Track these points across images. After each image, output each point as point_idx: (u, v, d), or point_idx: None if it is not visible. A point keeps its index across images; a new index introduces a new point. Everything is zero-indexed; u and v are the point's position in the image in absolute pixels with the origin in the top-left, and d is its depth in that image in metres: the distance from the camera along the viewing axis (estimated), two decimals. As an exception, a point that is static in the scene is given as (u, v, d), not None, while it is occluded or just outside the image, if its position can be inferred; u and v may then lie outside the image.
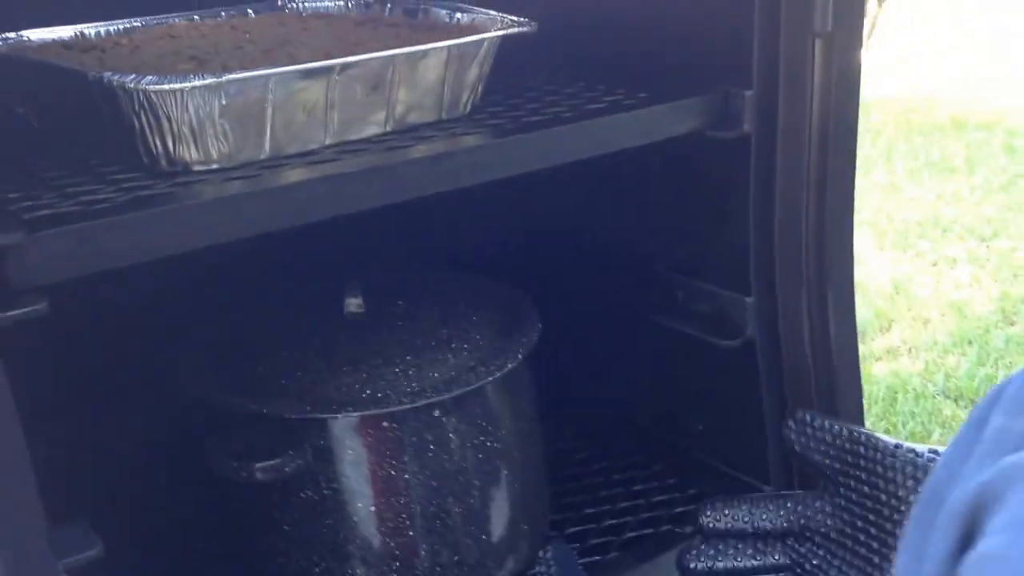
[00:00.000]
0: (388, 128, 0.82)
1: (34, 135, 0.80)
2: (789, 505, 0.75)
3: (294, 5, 1.03)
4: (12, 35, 0.85)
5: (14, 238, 0.59)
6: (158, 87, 0.68)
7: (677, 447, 1.07)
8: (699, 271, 0.97)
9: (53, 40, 0.87)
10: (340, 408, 0.82)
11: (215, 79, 0.69)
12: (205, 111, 0.70)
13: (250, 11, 1.00)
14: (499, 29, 0.86)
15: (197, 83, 0.68)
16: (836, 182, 0.88)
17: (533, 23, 0.87)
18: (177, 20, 0.95)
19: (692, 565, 0.75)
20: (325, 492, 0.82)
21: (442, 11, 0.95)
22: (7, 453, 0.60)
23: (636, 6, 0.96)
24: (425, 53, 0.80)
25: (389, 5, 1.00)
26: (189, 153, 0.72)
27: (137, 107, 0.70)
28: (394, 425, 0.82)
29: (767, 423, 0.96)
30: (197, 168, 0.73)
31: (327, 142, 0.79)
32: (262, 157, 0.75)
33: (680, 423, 1.07)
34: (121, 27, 0.92)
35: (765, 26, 0.85)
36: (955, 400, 2.51)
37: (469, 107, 0.87)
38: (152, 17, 0.94)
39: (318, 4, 1.04)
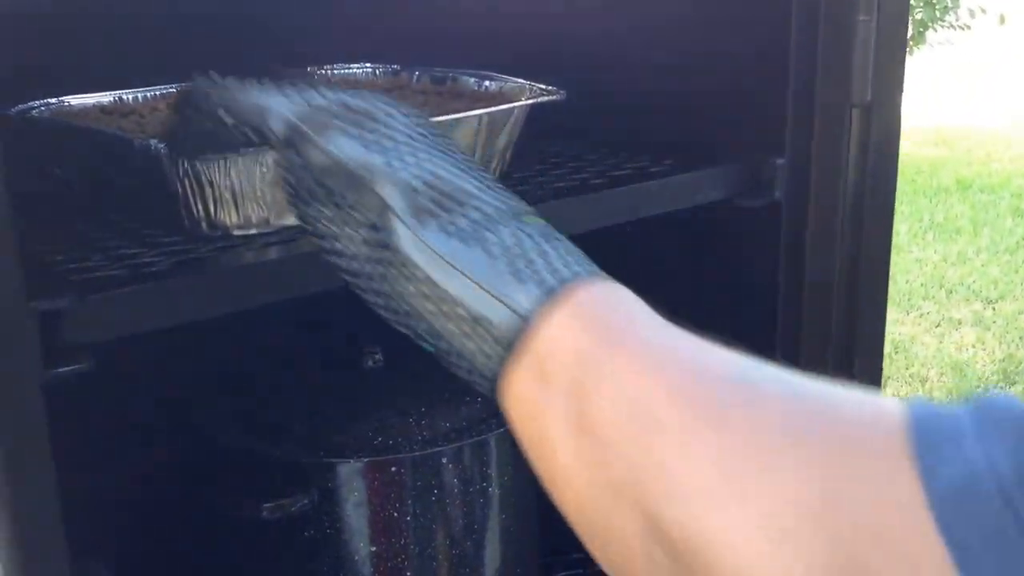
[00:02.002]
0: (420, 193, 0.84)
1: (76, 198, 0.82)
2: None
3: (323, 71, 1.06)
4: (53, 101, 0.87)
5: (65, 301, 0.61)
6: (203, 156, 0.70)
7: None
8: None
9: (93, 105, 0.89)
10: (351, 453, 0.85)
11: (257, 149, 0.71)
12: (246, 178, 0.72)
13: (282, 78, 1.03)
14: (528, 97, 0.88)
15: (242, 151, 0.70)
16: (870, 253, 0.89)
17: (561, 91, 0.89)
18: (211, 86, 0.98)
19: None
20: (328, 532, 0.85)
21: (470, 79, 0.98)
22: (40, 497, 0.61)
23: (662, 74, 0.98)
24: (458, 121, 0.82)
25: (417, 72, 1.02)
26: (229, 218, 0.74)
27: (181, 174, 0.72)
28: (401, 471, 0.85)
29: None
30: (236, 232, 0.74)
31: (361, 207, 0.80)
32: (298, 223, 0.77)
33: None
34: (158, 92, 0.94)
35: (800, 95, 0.85)
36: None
37: (498, 173, 0.89)
38: (187, 83, 0.97)
39: (346, 70, 1.06)
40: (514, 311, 0.44)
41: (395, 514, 0.85)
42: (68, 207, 0.81)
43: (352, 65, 1.07)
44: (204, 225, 0.74)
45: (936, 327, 3.34)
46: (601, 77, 1.00)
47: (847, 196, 0.89)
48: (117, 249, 0.72)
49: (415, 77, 1.02)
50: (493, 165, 0.88)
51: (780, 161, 0.87)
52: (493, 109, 0.85)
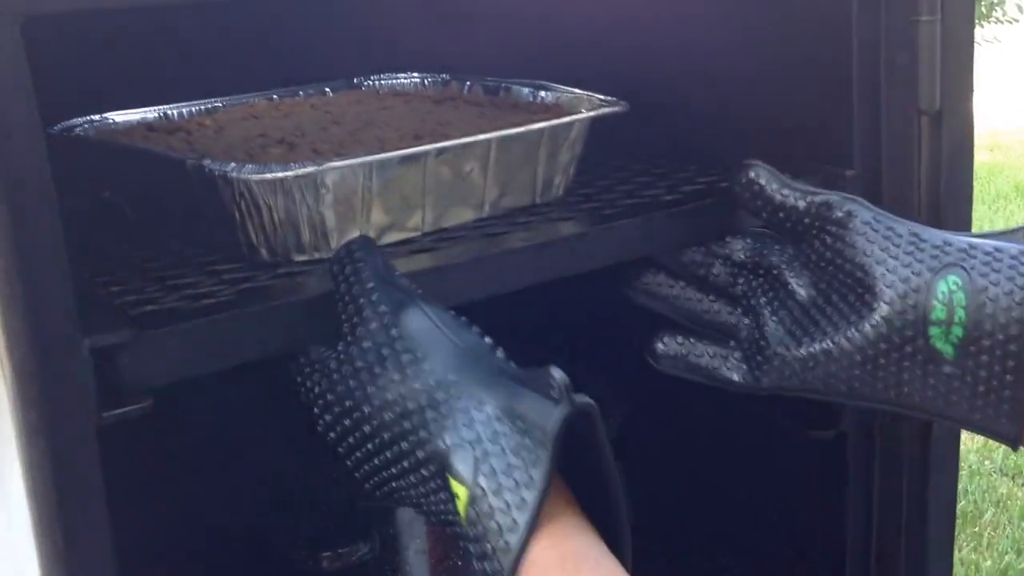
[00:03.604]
0: (483, 213, 0.80)
1: (127, 222, 0.79)
2: (749, 240, 0.78)
3: (370, 83, 1.02)
4: (96, 117, 0.84)
5: (124, 336, 0.57)
6: (260, 176, 0.67)
7: None
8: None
9: (138, 122, 0.86)
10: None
11: (316, 167, 0.67)
12: (305, 200, 0.69)
13: (327, 90, 0.99)
14: (590, 109, 0.85)
15: (300, 172, 0.67)
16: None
17: (624, 103, 0.85)
18: (256, 100, 0.94)
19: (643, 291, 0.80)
20: None
21: (524, 89, 0.94)
22: (93, 548, 0.57)
23: (718, 84, 0.94)
24: (522, 135, 0.78)
25: (468, 83, 0.98)
26: (288, 243, 0.70)
27: (237, 196, 0.68)
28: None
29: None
30: (297, 258, 0.71)
31: (424, 229, 0.77)
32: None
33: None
34: (203, 107, 0.91)
35: (865, 104, 0.82)
36: (1012, 478, 2.44)
37: (562, 189, 0.85)
38: (231, 97, 0.93)
39: (394, 81, 1.03)
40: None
41: (459, 562, 0.81)
42: (119, 232, 0.78)
43: (399, 75, 1.03)
44: (264, 251, 0.71)
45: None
46: (653, 87, 0.96)
47: (921, 208, 0.85)
48: (174, 278, 0.68)
49: (466, 87, 0.98)
50: (556, 181, 0.85)
51: (850, 173, 0.83)
52: (559, 121, 0.81)
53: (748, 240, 0.79)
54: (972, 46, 0.84)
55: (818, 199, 0.74)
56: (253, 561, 0.88)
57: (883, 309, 0.69)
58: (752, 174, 0.75)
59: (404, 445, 0.57)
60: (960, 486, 2.32)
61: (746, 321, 0.78)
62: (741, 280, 0.79)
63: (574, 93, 0.90)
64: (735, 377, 0.78)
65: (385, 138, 0.82)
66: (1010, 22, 5.74)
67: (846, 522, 0.89)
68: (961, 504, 2.28)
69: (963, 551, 2.28)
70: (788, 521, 0.98)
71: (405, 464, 0.57)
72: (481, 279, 0.70)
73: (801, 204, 0.74)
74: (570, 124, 0.82)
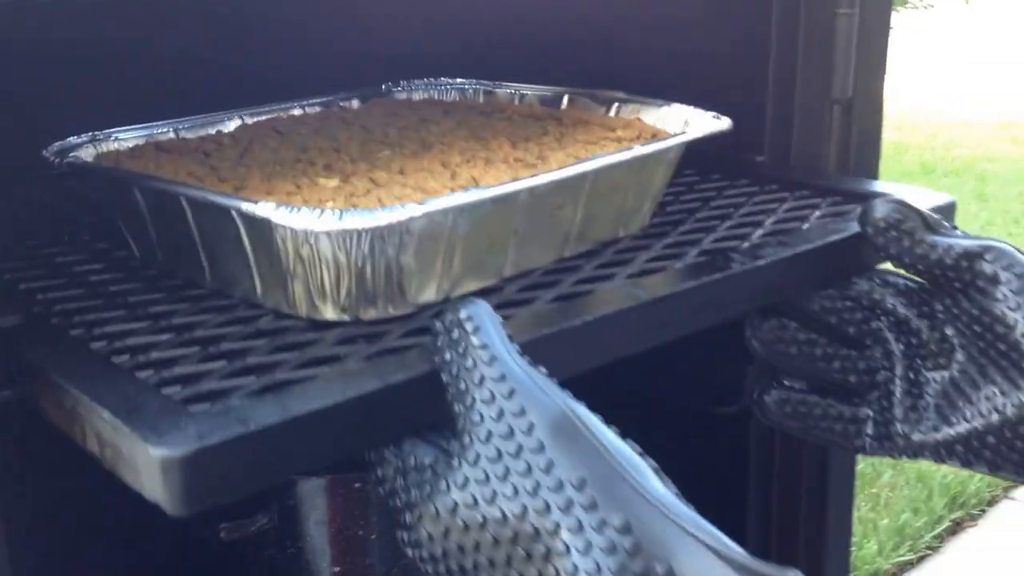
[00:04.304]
0: (566, 252, 0.67)
1: (145, 262, 0.65)
2: (879, 282, 0.69)
3: (400, 90, 0.89)
4: (100, 133, 0.70)
5: (180, 446, 0.44)
6: (340, 228, 0.53)
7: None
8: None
9: (147, 141, 0.72)
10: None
11: (409, 214, 0.54)
12: (386, 249, 0.55)
13: (355, 100, 0.86)
14: (685, 125, 0.72)
15: (391, 221, 0.53)
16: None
17: (725, 118, 0.73)
18: (277, 112, 0.80)
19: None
20: (289, 552, 0.80)
21: (589, 99, 0.81)
22: None
23: (632, 70, 0.88)
24: (628, 162, 0.66)
25: (519, 91, 0.85)
26: (358, 298, 0.57)
27: (299, 246, 0.55)
28: (365, 487, 0.79)
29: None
30: (367, 316, 0.57)
31: (506, 274, 0.64)
32: (439, 299, 0.60)
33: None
34: (219, 130, 0.77)
35: (778, 91, 0.82)
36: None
37: (649, 218, 0.73)
38: (246, 110, 0.79)
39: (427, 89, 0.89)
40: None
41: (360, 532, 0.79)
42: (135, 275, 0.64)
43: (432, 81, 0.90)
44: (328, 308, 0.57)
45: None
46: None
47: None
48: (218, 341, 0.55)
49: (516, 97, 0.85)
50: (646, 208, 0.72)
51: (760, 159, 0.84)
52: (667, 143, 0.68)
53: (878, 282, 0.69)
54: (887, 36, 0.82)
55: (965, 250, 0.64)
56: (149, 533, 0.80)
57: None
58: (888, 216, 0.64)
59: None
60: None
61: (880, 380, 0.69)
62: (876, 331, 0.69)
63: (655, 104, 0.77)
64: (860, 443, 0.70)
65: (450, 162, 0.68)
66: (926, 8, 5.79)
67: (748, 489, 0.91)
68: (860, 466, 2.27)
69: (862, 510, 2.31)
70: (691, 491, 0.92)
71: None
72: (602, 342, 0.57)
73: (947, 258, 0.64)
74: (669, 149, 0.70)
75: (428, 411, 0.50)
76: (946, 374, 0.66)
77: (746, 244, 0.69)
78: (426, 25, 1.02)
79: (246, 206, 0.54)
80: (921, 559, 2.21)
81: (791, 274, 0.66)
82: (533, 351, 0.49)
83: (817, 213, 0.75)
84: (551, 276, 0.65)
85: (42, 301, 0.60)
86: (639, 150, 0.66)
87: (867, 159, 0.83)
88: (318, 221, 0.52)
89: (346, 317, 0.57)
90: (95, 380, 0.49)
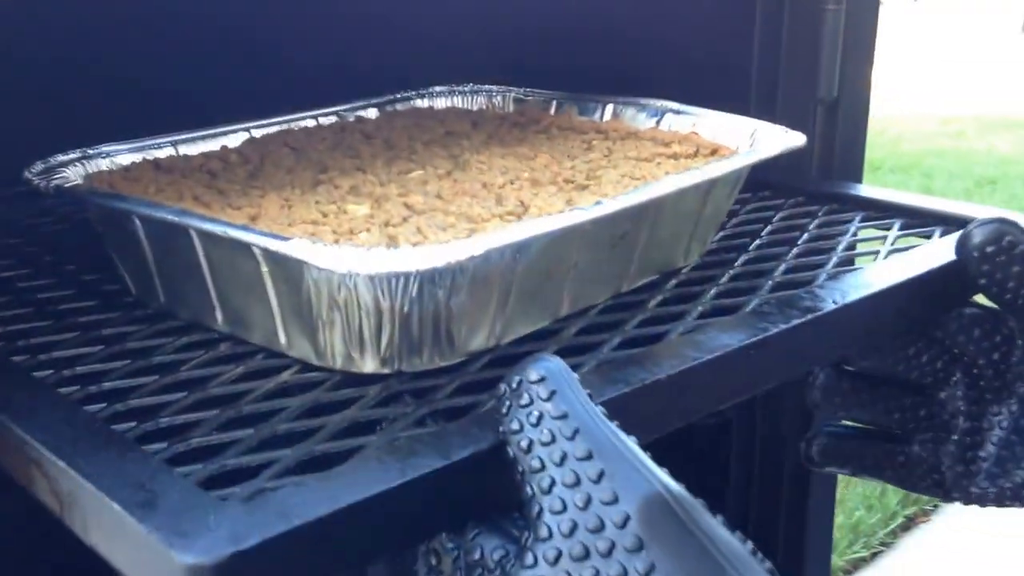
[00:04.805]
0: (625, 287, 0.59)
1: (142, 300, 0.57)
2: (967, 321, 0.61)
3: (416, 96, 0.80)
4: (91, 150, 0.61)
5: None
6: (382, 272, 0.44)
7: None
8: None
9: (144, 158, 0.63)
10: None
11: (462, 251, 0.45)
12: (435, 293, 0.47)
13: (371, 110, 0.77)
14: (766, 144, 0.64)
15: (437, 261, 0.45)
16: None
17: (799, 133, 0.65)
18: (287, 124, 0.72)
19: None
20: None
21: (633, 110, 0.73)
22: None
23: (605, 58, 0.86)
24: (698, 186, 0.58)
25: (554, 100, 0.77)
26: (402, 348, 0.48)
27: (336, 289, 0.46)
28: None
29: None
30: (411, 368, 0.49)
31: (562, 313, 0.55)
32: (489, 345, 0.52)
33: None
34: (216, 135, 0.68)
35: (762, 90, 0.79)
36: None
37: (710, 245, 0.65)
38: (252, 123, 0.71)
39: (449, 96, 0.81)
40: None
41: None
42: (131, 315, 0.55)
43: (455, 87, 0.81)
44: (367, 360, 0.49)
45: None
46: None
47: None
48: (238, 400, 0.46)
49: (553, 107, 0.77)
50: (710, 236, 0.64)
51: None
52: (729, 167, 0.60)
53: (958, 316, 0.62)
54: (875, 33, 0.79)
55: None
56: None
57: None
58: (994, 238, 0.57)
59: None
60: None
61: (939, 423, 0.63)
62: (942, 372, 0.63)
63: (711, 115, 0.70)
64: (912, 485, 0.64)
65: (492, 184, 0.60)
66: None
67: (727, 498, 0.89)
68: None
69: (815, 508, 2.33)
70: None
71: None
72: (683, 401, 0.49)
73: None
74: (741, 171, 0.62)
75: (497, 492, 0.42)
76: (1008, 419, 0.60)
77: (824, 276, 0.61)
78: (429, 23, 0.94)
79: (274, 244, 0.45)
80: (874, 555, 2.19)
81: (885, 312, 0.58)
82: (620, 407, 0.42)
83: (889, 235, 0.68)
84: (611, 315, 0.56)
85: (24, 349, 0.52)
86: (712, 170, 0.58)
87: (851, 162, 0.80)
88: (361, 262, 0.44)
89: (387, 370, 0.49)
90: (94, 457, 0.40)
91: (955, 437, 0.62)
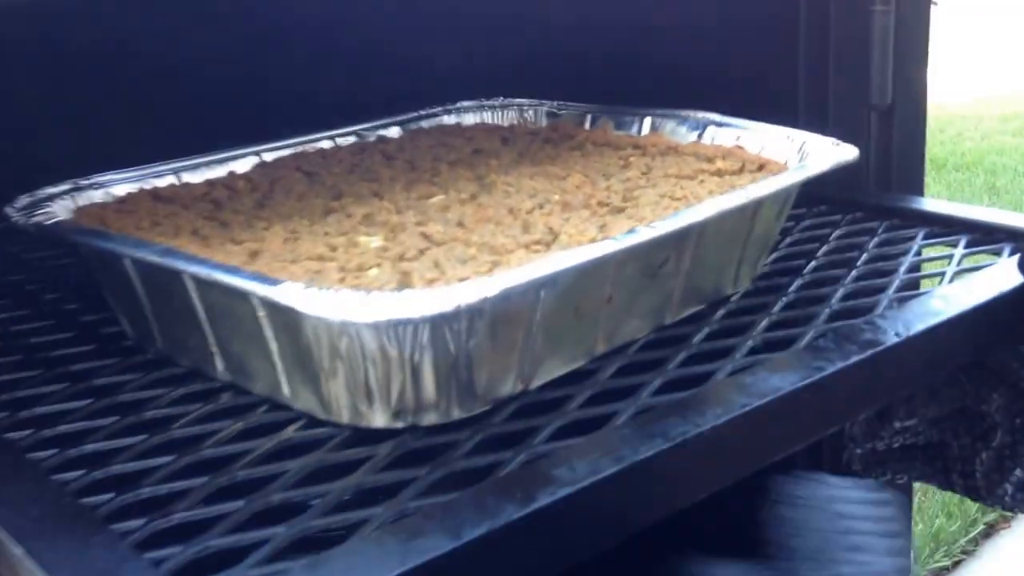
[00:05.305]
0: (668, 319, 0.54)
1: (137, 343, 0.52)
2: None
3: (451, 114, 0.75)
4: (85, 180, 0.56)
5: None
6: (390, 319, 0.39)
7: None
8: None
9: (141, 188, 0.58)
10: None
11: (475, 293, 0.40)
12: (452, 338, 0.42)
13: (394, 128, 0.72)
14: (817, 159, 0.58)
15: (447, 306, 0.40)
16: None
17: (851, 146, 0.59)
18: (302, 145, 0.67)
19: None
20: None
21: (675, 123, 0.67)
22: None
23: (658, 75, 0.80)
24: (745, 206, 0.52)
25: (590, 116, 0.72)
26: (413, 399, 0.43)
27: (337, 337, 0.41)
28: None
29: None
30: (425, 422, 0.44)
31: (598, 351, 0.50)
32: (516, 391, 0.46)
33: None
34: (223, 160, 0.63)
35: (812, 97, 0.75)
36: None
37: (762, 269, 0.59)
38: (262, 145, 0.66)
39: (478, 111, 0.76)
40: None
41: None
42: (129, 361, 0.51)
43: (485, 102, 0.76)
44: (376, 413, 0.43)
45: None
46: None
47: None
48: (234, 464, 0.41)
49: (588, 121, 0.71)
50: (760, 261, 0.59)
51: None
52: (776, 185, 0.54)
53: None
54: (928, 34, 0.76)
55: None
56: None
57: None
58: None
59: None
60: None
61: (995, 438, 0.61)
62: (988, 399, 0.61)
63: (756, 127, 0.64)
64: (949, 487, 0.64)
65: (519, 209, 0.55)
66: (934, 3, 5.71)
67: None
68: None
69: (896, 517, 2.29)
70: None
71: None
72: (728, 455, 0.44)
73: None
74: (791, 188, 0.56)
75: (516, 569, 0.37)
76: None
77: (885, 302, 0.55)
78: (445, 37, 0.89)
79: (264, 289, 0.40)
80: (956, 564, 2.11)
81: (951, 345, 0.52)
82: (640, 470, 0.36)
83: (955, 253, 0.62)
84: (652, 352, 0.51)
85: (6, 404, 0.47)
86: (759, 189, 0.52)
87: (911, 171, 0.77)
88: (359, 309, 0.39)
89: (399, 424, 0.44)
90: (55, 542, 0.35)
91: (993, 444, 0.60)
